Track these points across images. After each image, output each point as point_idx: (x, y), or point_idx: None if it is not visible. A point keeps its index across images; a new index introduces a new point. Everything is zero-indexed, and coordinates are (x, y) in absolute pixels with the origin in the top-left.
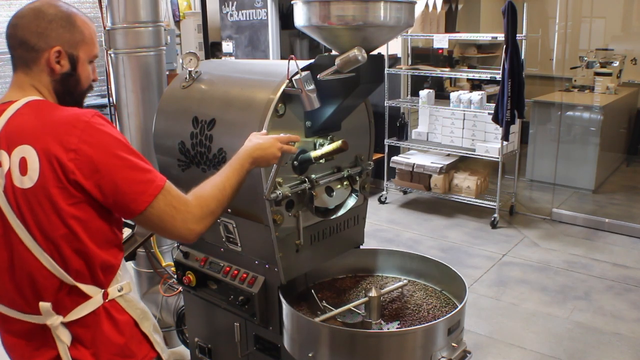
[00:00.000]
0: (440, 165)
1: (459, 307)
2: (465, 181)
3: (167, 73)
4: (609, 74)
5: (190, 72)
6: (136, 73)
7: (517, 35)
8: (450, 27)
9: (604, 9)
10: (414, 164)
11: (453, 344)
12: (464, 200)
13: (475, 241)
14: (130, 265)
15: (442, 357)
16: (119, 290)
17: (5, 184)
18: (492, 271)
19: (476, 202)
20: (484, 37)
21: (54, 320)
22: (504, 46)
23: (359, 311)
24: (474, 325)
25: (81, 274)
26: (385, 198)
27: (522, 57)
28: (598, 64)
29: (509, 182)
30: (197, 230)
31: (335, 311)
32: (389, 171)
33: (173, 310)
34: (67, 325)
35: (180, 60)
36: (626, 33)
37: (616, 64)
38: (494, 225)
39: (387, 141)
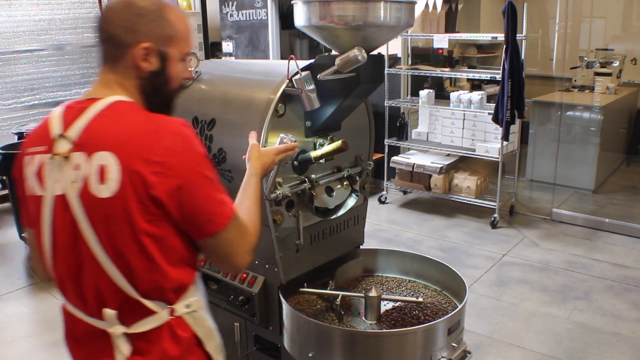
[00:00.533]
0: (440, 165)
1: (459, 307)
2: (465, 181)
3: None
4: (609, 74)
5: (190, 72)
6: None
7: (517, 35)
8: (450, 27)
9: (604, 9)
10: (414, 164)
11: (453, 344)
12: (464, 200)
13: (475, 241)
14: None
15: (442, 357)
16: (187, 307)
17: (81, 189)
18: (492, 271)
19: (476, 202)
20: (484, 37)
21: (116, 329)
22: (504, 46)
23: (370, 321)
24: (474, 325)
25: (149, 291)
26: (385, 198)
27: (522, 57)
28: (598, 64)
29: (509, 182)
30: (248, 262)
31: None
32: (389, 171)
33: None
34: (128, 336)
35: None
36: (626, 33)
37: (616, 64)
38: (494, 225)
39: (387, 141)
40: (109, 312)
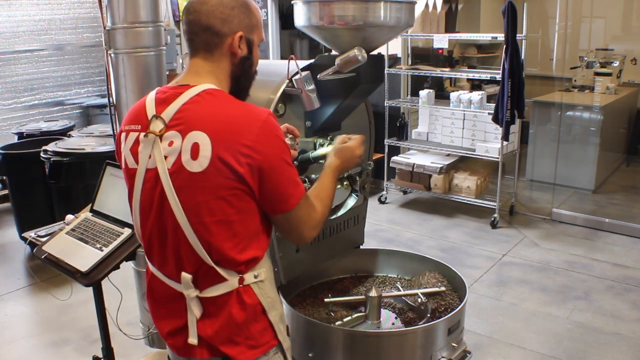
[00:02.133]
0: (440, 165)
1: (459, 307)
2: (465, 181)
3: (167, 73)
4: (609, 74)
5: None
6: (136, 73)
7: (517, 35)
8: (450, 27)
9: (604, 9)
10: (414, 164)
11: (453, 344)
12: (464, 200)
13: (475, 241)
14: (130, 265)
15: (442, 357)
16: (255, 277)
17: (173, 163)
18: (492, 271)
19: (476, 202)
20: (484, 37)
21: (191, 292)
22: (504, 46)
23: (374, 321)
24: (474, 325)
25: (224, 259)
26: (385, 198)
27: (522, 57)
28: (598, 64)
29: (509, 182)
30: (313, 236)
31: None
32: (389, 171)
33: None
34: (200, 299)
35: (180, 60)
36: (626, 33)
37: (616, 64)
38: (494, 225)
39: (387, 141)
40: (186, 276)
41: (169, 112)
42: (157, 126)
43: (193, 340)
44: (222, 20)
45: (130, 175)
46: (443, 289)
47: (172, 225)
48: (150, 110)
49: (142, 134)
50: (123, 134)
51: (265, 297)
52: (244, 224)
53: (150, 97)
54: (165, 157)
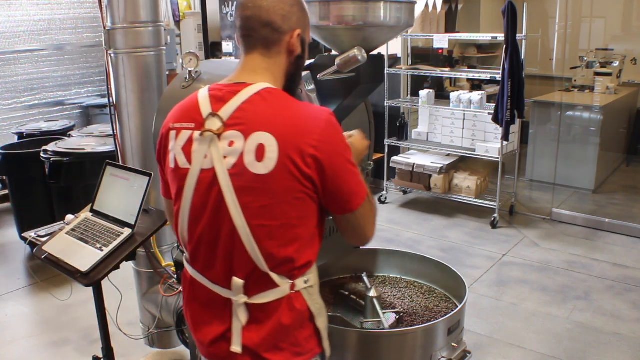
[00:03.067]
0: (440, 165)
1: (459, 307)
2: (465, 181)
3: (167, 73)
4: (609, 74)
5: (190, 72)
6: (136, 73)
7: (517, 35)
8: (450, 27)
9: (604, 9)
10: (414, 164)
11: (453, 344)
12: (464, 200)
13: (475, 241)
14: (130, 265)
15: (442, 357)
16: (305, 282)
17: (234, 164)
18: (492, 271)
19: (476, 202)
20: (484, 37)
21: (240, 298)
22: (504, 46)
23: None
24: (474, 325)
25: (278, 265)
26: (385, 198)
27: (522, 57)
28: (598, 64)
29: (509, 182)
30: (374, 235)
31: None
32: (389, 171)
33: (173, 310)
34: (247, 305)
35: (180, 60)
36: (626, 33)
37: (616, 64)
38: (494, 225)
39: (387, 141)
40: (237, 281)
41: (226, 110)
42: (214, 124)
43: (236, 348)
44: (282, 16)
45: (180, 175)
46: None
47: (228, 229)
48: (205, 107)
49: (197, 132)
50: (172, 132)
51: (314, 303)
52: (305, 227)
53: (203, 94)
54: (224, 157)
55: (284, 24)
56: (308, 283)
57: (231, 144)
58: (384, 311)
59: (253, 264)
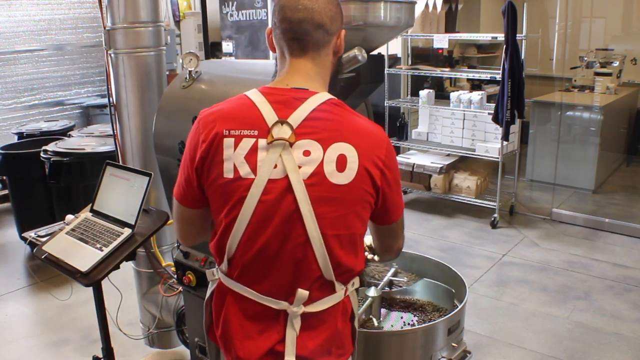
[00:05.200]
0: (440, 165)
1: (459, 307)
2: (465, 181)
3: (167, 73)
4: (609, 74)
5: (190, 72)
6: (136, 73)
7: (517, 35)
8: (450, 27)
9: (604, 9)
10: (414, 164)
11: (453, 344)
12: (464, 200)
13: (475, 241)
14: (130, 265)
15: (442, 357)
16: (352, 285)
17: (312, 173)
18: (492, 271)
19: (476, 202)
20: (484, 37)
21: (299, 309)
22: (504, 46)
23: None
24: (474, 325)
25: (343, 272)
26: None
27: (522, 57)
28: (598, 64)
29: (509, 182)
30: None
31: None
32: None
33: (173, 310)
34: (302, 314)
35: (180, 60)
36: (626, 33)
37: (616, 64)
38: (494, 225)
39: None
40: (303, 293)
41: (296, 118)
42: (284, 132)
43: (291, 358)
44: (331, 18)
45: (242, 186)
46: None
47: (298, 240)
48: (269, 114)
49: (262, 139)
50: (228, 140)
51: (356, 304)
52: (363, 236)
53: (261, 100)
54: (299, 167)
55: (333, 26)
56: (354, 285)
57: (307, 153)
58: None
59: (319, 272)
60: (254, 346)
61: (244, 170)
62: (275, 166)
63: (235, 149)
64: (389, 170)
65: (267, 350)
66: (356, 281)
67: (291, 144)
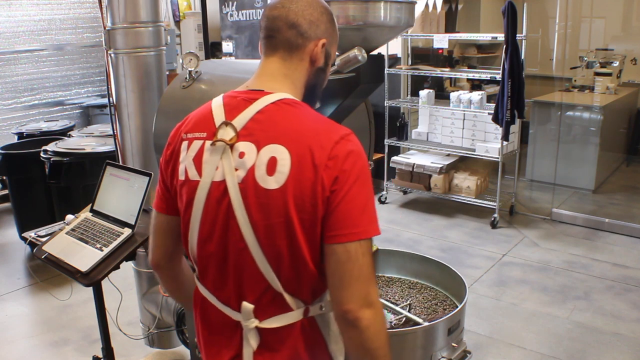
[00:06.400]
0: (440, 165)
1: (459, 307)
2: (465, 181)
3: (167, 73)
4: (609, 74)
5: (190, 72)
6: (136, 73)
7: (517, 35)
8: (450, 27)
9: (604, 9)
10: (414, 164)
11: (453, 344)
12: (464, 200)
13: (475, 241)
14: (130, 265)
15: (442, 357)
16: (321, 309)
17: (244, 178)
18: (492, 271)
19: (476, 202)
20: (484, 37)
21: (250, 323)
22: (504, 46)
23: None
24: (474, 325)
25: (291, 285)
26: (385, 198)
27: (522, 57)
28: (598, 64)
29: (509, 182)
30: (376, 305)
31: None
32: (389, 171)
33: (173, 310)
34: (259, 330)
35: (180, 60)
36: (626, 33)
37: (616, 64)
38: (494, 225)
39: (387, 141)
40: (247, 306)
41: (240, 119)
42: (227, 134)
43: None
44: (310, 22)
45: (190, 188)
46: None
47: (238, 246)
48: (219, 116)
49: (209, 142)
50: (184, 143)
51: (327, 330)
52: (310, 255)
53: (218, 103)
54: (236, 170)
55: (310, 30)
56: (323, 309)
57: (242, 155)
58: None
59: (266, 282)
60: (218, 356)
61: (192, 172)
62: (217, 168)
63: (187, 152)
64: (341, 173)
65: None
66: (327, 305)
67: (231, 146)
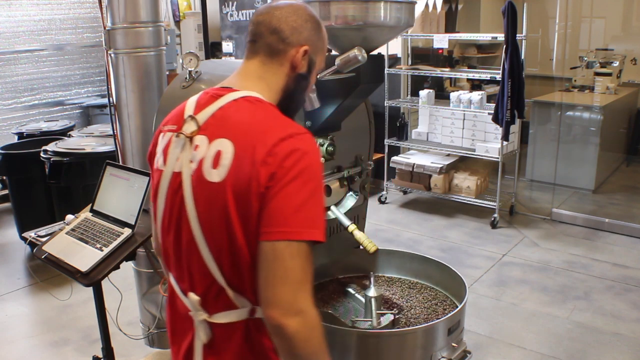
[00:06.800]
0: (440, 165)
1: (459, 307)
2: (465, 181)
3: (167, 73)
4: (609, 74)
5: (190, 72)
6: (136, 73)
7: (517, 35)
8: (450, 27)
9: (604, 9)
10: (414, 164)
11: (453, 344)
12: (464, 200)
13: (475, 241)
14: (130, 265)
15: (442, 357)
16: None
17: (195, 170)
18: (492, 271)
19: (476, 202)
20: (484, 37)
21: (198, 315)
22: (504, 46)
23: (368, 320)
24: (474, 325)
25: (234, 281)
26: (385, 198)
27: (522, 57)
28: (598, 64)
29: (509, 182)
30: (299, 310)
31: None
32: (389, 171)
33: None
34: (210, 324)
35: (180, 60)
36: (626, 33)
37: (616, 64)
38: (494, 225)
39: (387, 141)
40: (193, 297)
41: (204, 114)
42: (189, 127)
43: None
44: (292, 28)
45: (157, 176)
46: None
47: (187, 238)
48: (189, 111)
49: (175, 134)
50: (161, 135)
51: None
52: (252, 247)
53: (193, 99)
54: (190, 162)
55: (292, 36)
56: None
57: (196, 148)
58: (381, 312)
59: (211, 277)
60: (179, 345)
61: (160, 162)
62: (178, 159)
63: (160, 142)
64: (279, 170)
65: (186, 350)
66: None
67: (190, 139)
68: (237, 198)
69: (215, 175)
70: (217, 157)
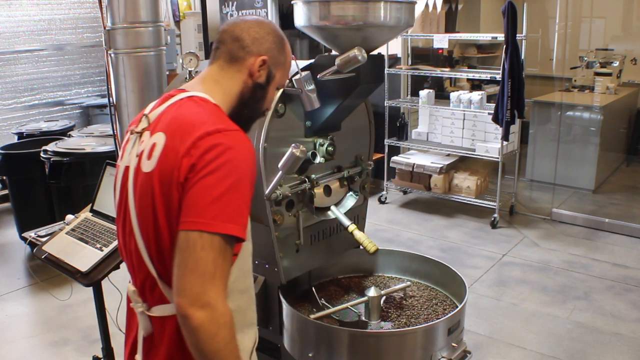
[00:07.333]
0: (440, 165)
1: (459, 307)
2: (465, 181)
3: (167, 73)
4: (609, 74)
5: (190, 72)
6: (136, 73)
7: (517, 35)
8: (450, 27)
9: (604, 9)
10: (414, 164)
11: (453, 344)
12: (464, 200)
13: (475, 241)
14: None
15: (442, 357)
16: None
17: (137, 163)
18: (492, 271)
19: (476, 202)
20: (484, 37)
21: (137, 307)
22: (504, 46)
23: (355, 310)
24: (474, 325)
25: (163, 273)
26: (385, 198)
27: (522, 57)
28: (598, 64)
29: (509, 182)
30: (203, 303)
31: (331, 309)
32: (389, 171)
33: None
34: (150, 318)
35: (180, 60)
36: (626, 33)
37: (616, 64)
38: (494, 225)
39: (387, 141)
40: (130, 288)
41: (155, 112)
42: (141, 125)
43: (139, 358)
44: (253, 38)
45: (117, 171)
46: (408, 283)
47: (129, 228)
48: (146, 110)
49: (130, 131)
50: (128, 133)
51: None
52: (173, 248)
53: (156, 100)
54: (137, 156)
55: (253, 45)
56: None
57: (141, 142)
58: (381, 321)
59: (146, 268)
60: (128, 339)
61: (119, 157)
62: (130, 155)
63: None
64: (199, 161)
65: (132, 345)
66: None
67: (140, 135)
68: (162, 188)
69: (147, 166)
70: (152, 149)
